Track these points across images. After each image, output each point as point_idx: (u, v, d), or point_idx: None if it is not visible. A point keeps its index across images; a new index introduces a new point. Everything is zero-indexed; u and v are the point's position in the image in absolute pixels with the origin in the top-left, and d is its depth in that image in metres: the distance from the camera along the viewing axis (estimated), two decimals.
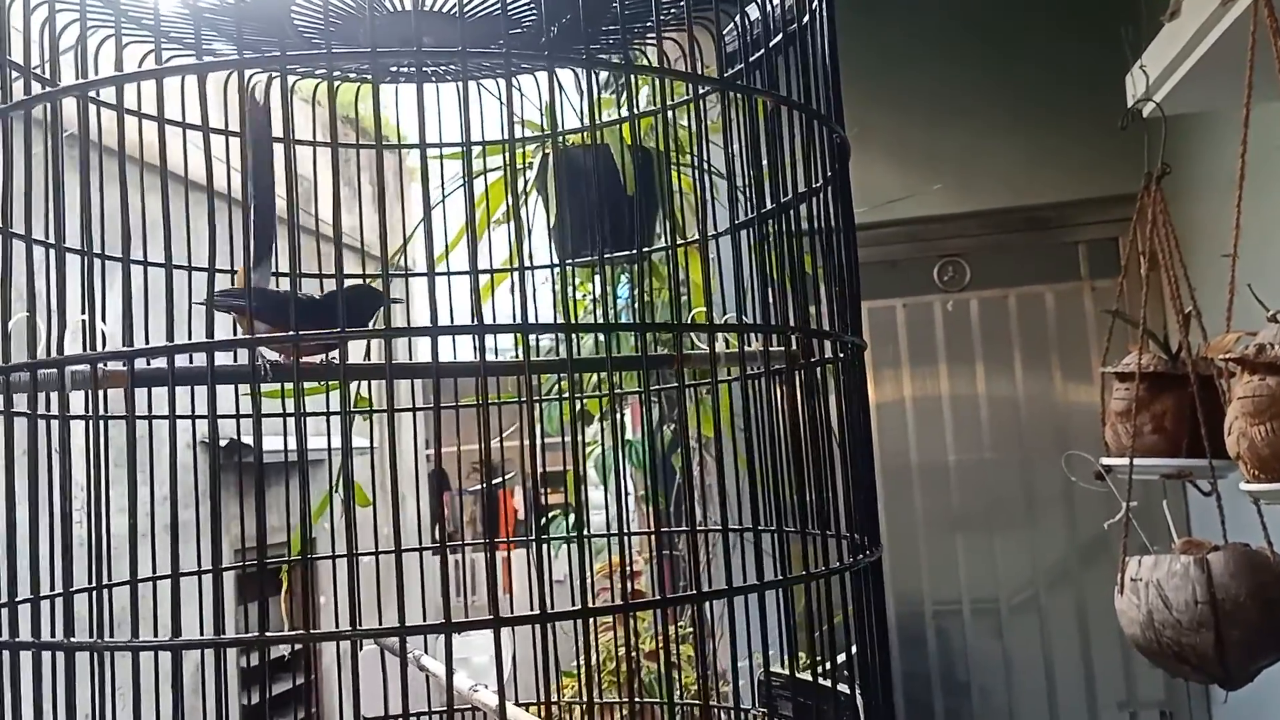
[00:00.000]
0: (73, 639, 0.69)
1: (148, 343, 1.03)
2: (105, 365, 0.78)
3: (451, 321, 1.30)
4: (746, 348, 1.01)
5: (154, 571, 1.07)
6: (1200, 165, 2.39)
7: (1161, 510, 1.87)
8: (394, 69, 1.11)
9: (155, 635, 0.95)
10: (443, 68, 1.11)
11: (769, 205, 1.01)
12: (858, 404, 0.94)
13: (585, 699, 1.20)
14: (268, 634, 0.61)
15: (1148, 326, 1.73)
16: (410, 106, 1.35)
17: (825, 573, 0.81)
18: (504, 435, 1.37)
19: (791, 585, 0.76)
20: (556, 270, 1.32)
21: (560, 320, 0.77)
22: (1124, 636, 1.63)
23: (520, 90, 1.28)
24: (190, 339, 1.02)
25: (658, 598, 0.91)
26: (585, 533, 0.77)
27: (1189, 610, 1.50)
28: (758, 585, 0.73)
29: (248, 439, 1.35)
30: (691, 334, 1.09)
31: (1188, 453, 1.66)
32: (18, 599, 0.82)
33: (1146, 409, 1.68)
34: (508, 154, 0.74)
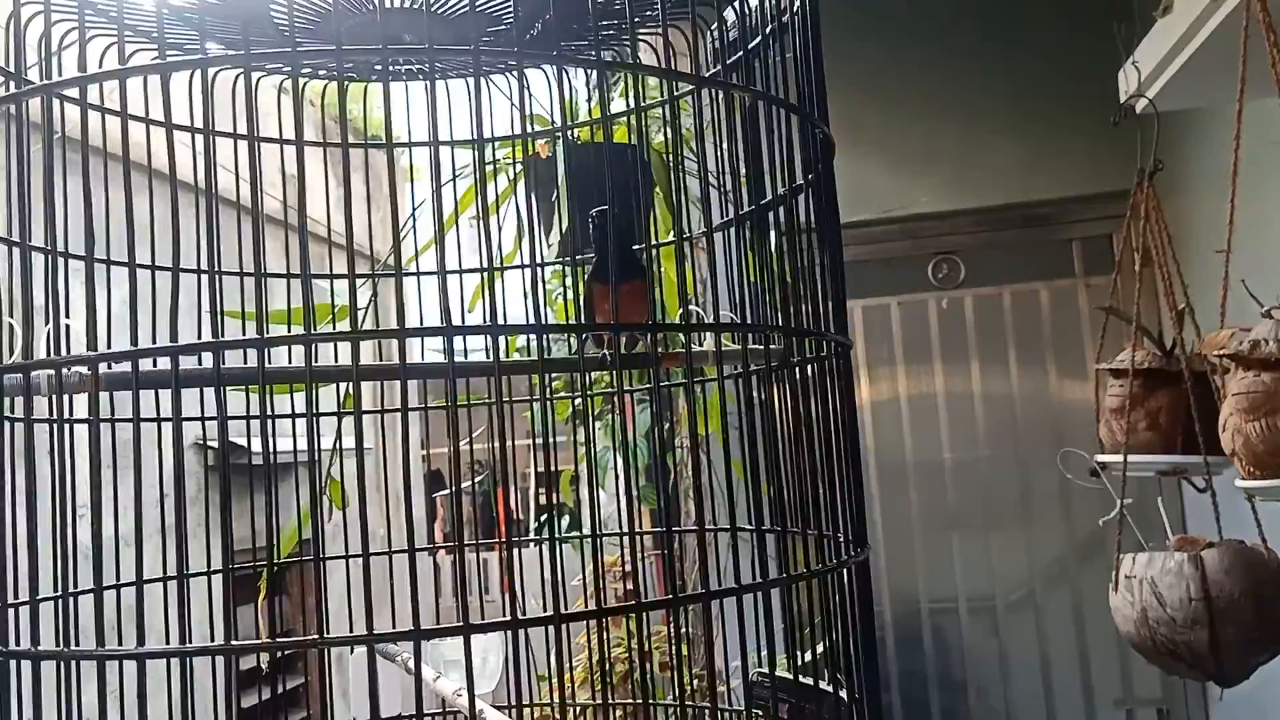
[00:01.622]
0: (39, 648, 0.68)
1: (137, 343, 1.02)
2: (100, 367, 0.77)
3: (453, 320, 1.28)
4: (732, 347, 1.00)
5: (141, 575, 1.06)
6: (1193, 161, 2.38)
7: (1157, 507, 1.86)
8: (377, 67, 1.10)
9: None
10: (415, 66, 1.09)
11: (754, 204, 1.00)
12: (844, 403, 0.93)
13: (559, 702, 1.19)
14: (233, 643, 0.60)
15: (1142, 323, 1.72)
16: (410, 105, 1.34)
17: (812, 574, 0.80)
18: (476, 436, 1.36)
19: (777, 587, 0.75)
20: (541, 270, 1.30)
21: (531, 321, 0.77)
22: (1120, 634, 1.63)
23: (499, 87, 1.27)
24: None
25: (633, 602, 0.89)
26: (558, 534, 0.76)
27: (1183, 608, 1.49)
28: (741, 588, 0.72)
29: (239, 440, 1.34)
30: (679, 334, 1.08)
31: (1182, 449, 1.66)
32: None
33: (1141, 405, 1.67)
34: (477, 152, 0.74)
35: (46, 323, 0.78)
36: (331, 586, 1.36)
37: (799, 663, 0.86)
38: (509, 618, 0.63)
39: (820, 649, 0.88)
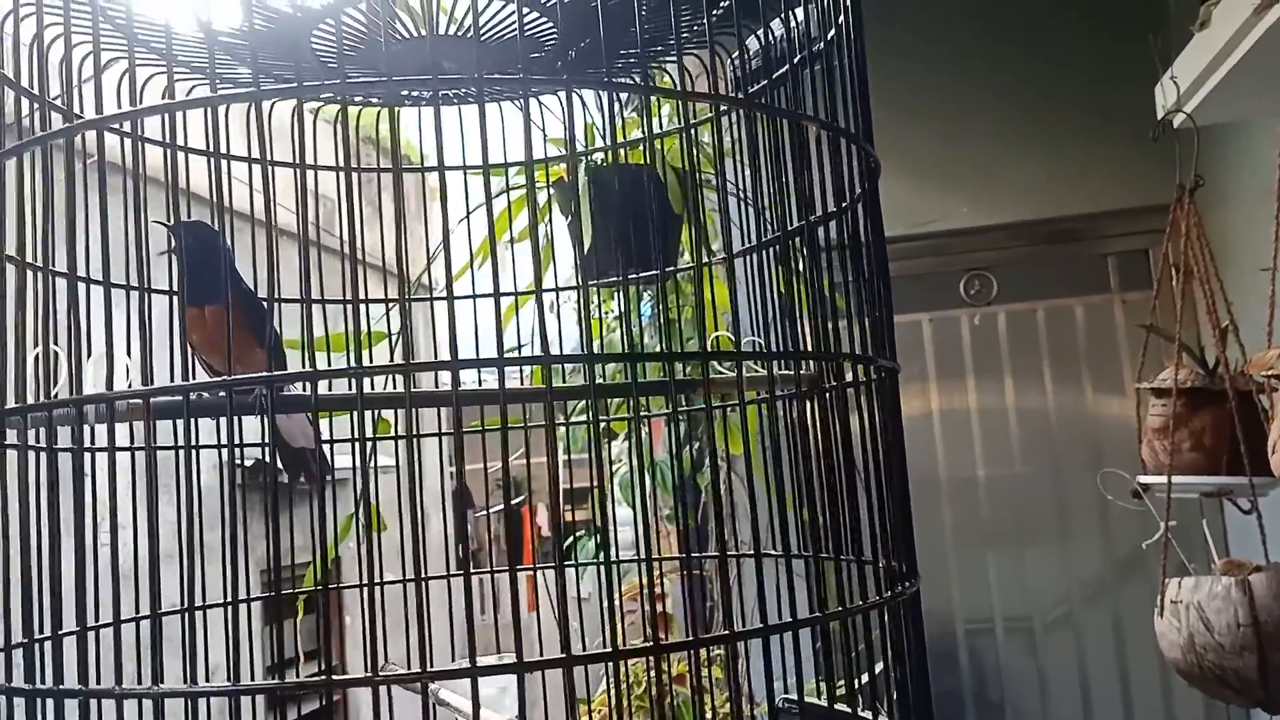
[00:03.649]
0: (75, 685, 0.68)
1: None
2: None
3: (476, 343, 1.29)
4: (767, 371, 0.98)
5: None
6: (1232, 176, 2.35)
7: (1196, 528, 1.83)
8: (414, 94, 1.10)
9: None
10: (461, 91, 1.10)
11: (793, 225, 0.99)
12: (892, 428, 0.91)
13: None
14: (288, 681, 0.60)
15: (1183, 341, 1.69)
16: (431, 128, 1.34)
17: (863, 607, 0.78)
18: (523, 454, 1.35)
19: (828, 622, 0.74)
20: (579, 292, 1.29)
21: (584, 346, 0.76)
22: (1162, 656, 1.59)
23: (543, 110, 1.27)
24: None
25: (691, 639, 0.87)
26: (517, 567, 0.74)
27: (1231, 633, 1.46)
28: (797, 622, 0.71)
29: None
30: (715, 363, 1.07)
31: (1227, 470, 1.63)
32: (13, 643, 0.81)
33: (1184, 425, 1.64)
34: (520, 175, 0.74)
35: (79, 353, 0.78)
36: (359, 608, 1.35)
37: (834, 693, 0.85)
38: (564, 654, 0.62)
39: (861, 680, 0.87)
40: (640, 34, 0.87)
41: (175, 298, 1.04)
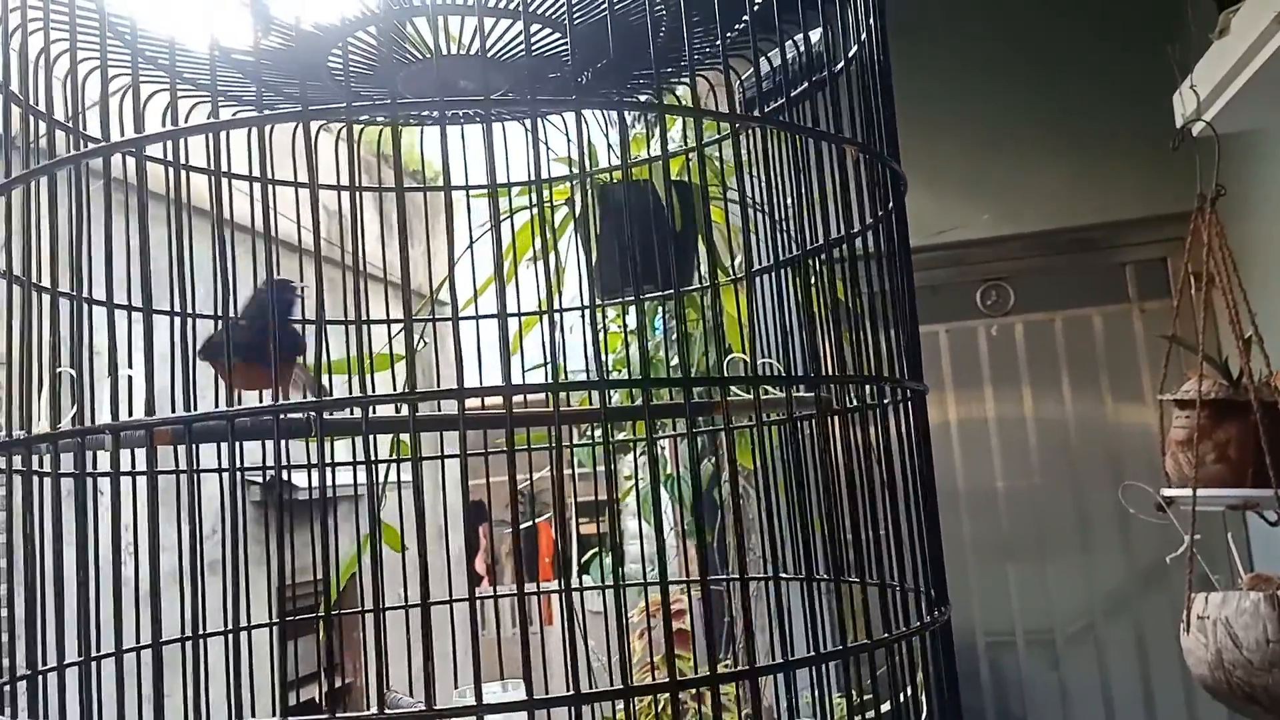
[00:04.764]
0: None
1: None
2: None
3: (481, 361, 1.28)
4: (814, 394, 0.97)
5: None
6: (1254, 185, 2.33)
7: (1217, 541, 1.80)
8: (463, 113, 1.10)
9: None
10: (473, 111, 1.09)
11: (814, 243, 0.97)
12: (921, 450, 0.89)
13: None
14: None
15: (1206, 352, 1.67)
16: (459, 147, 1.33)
17: (906, 633, 0.77)
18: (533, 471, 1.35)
19: (856, 655, 0.72)
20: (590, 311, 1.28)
21: (595, 367, 0.75)
22: (1186, 668, 1.57)
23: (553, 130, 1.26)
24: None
25: (746, 668, 0.86)
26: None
27: (1260, 649, 1.44)
28: (839, 651, 0.69)
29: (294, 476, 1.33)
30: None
31: (1253, 482, 1.60)
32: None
33: (1209, 437, 1.62)
34: (545, 192, 0.73)
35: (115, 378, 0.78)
36: (384, 627, 1.35)
37: (880, 717, 0.83)
38: (621, 686, 0.61)
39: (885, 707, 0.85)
40: (684, 49, 0.86)
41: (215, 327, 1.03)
